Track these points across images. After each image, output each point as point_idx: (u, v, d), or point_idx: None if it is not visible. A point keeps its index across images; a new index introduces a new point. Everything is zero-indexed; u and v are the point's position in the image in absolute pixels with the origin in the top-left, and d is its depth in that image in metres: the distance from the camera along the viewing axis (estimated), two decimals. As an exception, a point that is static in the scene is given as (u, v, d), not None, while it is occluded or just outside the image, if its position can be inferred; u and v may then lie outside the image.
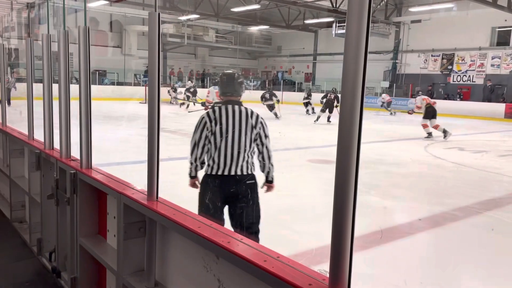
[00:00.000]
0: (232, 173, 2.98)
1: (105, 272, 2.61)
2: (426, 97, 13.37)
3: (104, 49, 29.31)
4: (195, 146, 3.04)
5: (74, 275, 2.74)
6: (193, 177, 3.16)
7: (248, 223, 3.12)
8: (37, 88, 3.75)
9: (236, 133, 2.97)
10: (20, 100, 3.91)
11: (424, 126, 12.68)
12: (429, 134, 12.54)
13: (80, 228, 2.64)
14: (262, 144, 3.11)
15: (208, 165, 3.03)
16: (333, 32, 25.96)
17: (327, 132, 13.19)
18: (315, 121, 16.42)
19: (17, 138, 4.04)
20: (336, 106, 16.07)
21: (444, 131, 12.30)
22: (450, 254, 4.10)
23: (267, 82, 33.81)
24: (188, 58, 33.77)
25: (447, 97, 24.92)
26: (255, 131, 3.05)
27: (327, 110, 16.64)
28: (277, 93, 30.78)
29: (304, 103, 21.52)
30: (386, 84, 27.53)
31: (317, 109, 18.02)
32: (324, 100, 17.30)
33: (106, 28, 29.41)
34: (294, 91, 31.90)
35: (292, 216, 4.93)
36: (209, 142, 3.00)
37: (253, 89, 31.72)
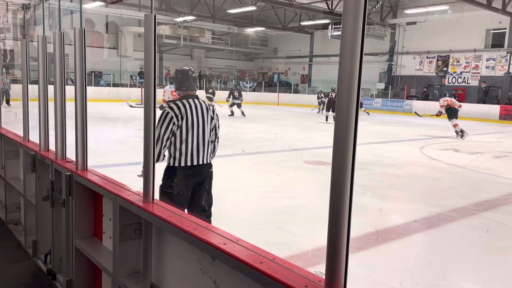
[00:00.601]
0: (200, 162, 3.24)
1: (100, 274, 2.60)
2: (448, 98, 13.77)
3: (100, 51, 29.25)
4: (158, 139, 3.11)
5: (69, 277, 2.73)
6: None
7: (208, 206, 3.40)
8: (33, 89, 3.74)
9: (201, 126, 3.23)
10: (19, 102, 3.89)
11: (455, 125, 13.19)
12: (461, 132, 12.95)
13: (75, 230, 2.63)
14: (216, 134, 3.41)
15: (175, 157, 3.20)
16: (329, 34, 26.05)
17: (323, 134, 13.21)
18: (326, 121, 17.09)
19: (12, 139, 4.03)
20: None
21: (461, 131, 12.80)
22: (446, 255, 4.12)
23: (263, 84, 33.86)
24: (184, 60, 33.73)
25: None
26: (213, 123, 3.36)
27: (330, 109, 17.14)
28: (273, 94, 30.98)
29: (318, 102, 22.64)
30: (381, 85, 27.64)
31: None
32: (326, 100, 18.20)
33: (102, 30, 29.34)
34: (290, 92, 31.96)
35: (288, 217, 4.93)
36: (174, 136, 3.17)
37: (250, 91, 31.75)
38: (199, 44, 32.37)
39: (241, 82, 33.44)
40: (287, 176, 7.17)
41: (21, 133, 3.92)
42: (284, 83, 34.24)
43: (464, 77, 25.05)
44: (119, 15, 28.08)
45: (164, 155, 3.20)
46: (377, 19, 26.42)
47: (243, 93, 19.91)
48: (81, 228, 2.64)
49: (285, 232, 4.47)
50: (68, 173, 2.64)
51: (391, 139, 13.10)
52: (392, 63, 28.09)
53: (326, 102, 17.95)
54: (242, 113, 17.99)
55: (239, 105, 18.40)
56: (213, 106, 3.47)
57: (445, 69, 25.79)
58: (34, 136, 3.57)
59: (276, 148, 10.23)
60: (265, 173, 7.36)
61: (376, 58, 27.59)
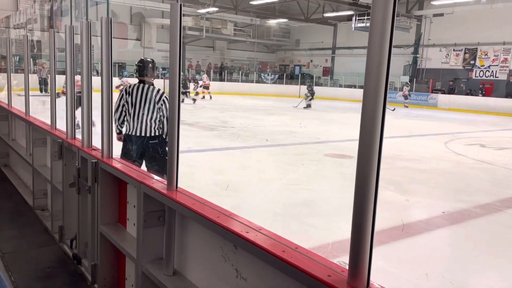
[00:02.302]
0: (138, 134, 4.07)
1: (124, 259, 2.66)
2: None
3: (125, 42, 29.60)
4: (116, 111, 4.09)
5: (94, 262, 2.80)
6: (118, 133, 4.22)
7: (160, 170, 3.88)
8: (60, 79, 3.83)
9: (142, 104, 4.04)
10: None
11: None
12: None
13: (100, 217, 2.69)
14: (164, 116, 4.08)
15: (126, 126, 4.15)
16: (353, 25, 25.61)
17: (344, 127, 13.09)
18: None
19: (40, 127, 4.13)
20: None
21: None
22: (470, 250, 4.05)
23: (284, 76, 33.67)
24: (206, 51, 33.84)
25: (469, 92, 24.42)
26: (157, 105, 4.07)
27: None
28: (294, 87, 30.79)
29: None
30: (406, 78, 27.11)
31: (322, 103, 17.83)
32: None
33: (126, 21, 29.66)
34: (312, 85, 31.68)
35: (308, 210, 4.92)
36: (125, 109, 4.09)
37: (271, 83, 31.66)
38: (221, 36, 32.39)
39: (262, 74, 33.36)
40: (307, 169, 7.14)
41: (48, 122, 4.01)
42: (305, 75, 33.97)
43: (492, 71, 24.34)
44: (143, 6, 28.29)
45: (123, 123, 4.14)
46: (403, 10, 25.83)
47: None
48: (106, 215, 2.70)
49: (305, 225, 4.47)
50: (94, 161, 2.70)
51: (415, 133, 12.87)
52: (418, 55, 27.50)
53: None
54: (194, 100, 19.18)
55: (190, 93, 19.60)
56: (164, 94, 4.12)
57: (472, 62, 25.11)
58: (61, 125, 3.66)
59: (296, 141, 10.19)
60: (285, 166, 7.35)
61: (400, 50, 27.06)
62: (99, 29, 2.57)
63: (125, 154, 4.11)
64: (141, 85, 4.08)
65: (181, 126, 2.07)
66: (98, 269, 2.75)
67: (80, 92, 3.01)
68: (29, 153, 4.62)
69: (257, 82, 32.40)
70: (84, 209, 3.01)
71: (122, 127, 4.20)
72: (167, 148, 3.84)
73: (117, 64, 26.41)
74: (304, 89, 22.91)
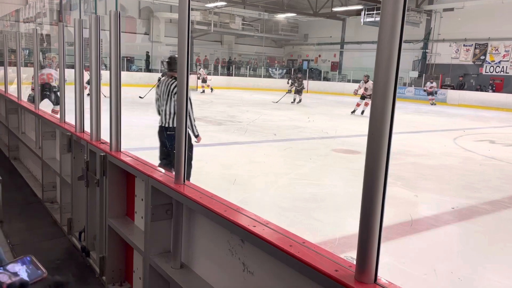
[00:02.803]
0: (163, 124, 4.43)
1: (132, 252, 2.67)
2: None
3: (133, 36, 29.66)
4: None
5: (102, 254, 2.82)
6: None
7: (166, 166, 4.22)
8: (69, 73, 3.85)
9: (164, 96, 4.40)
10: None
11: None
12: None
13: (109, 209, 2.71)
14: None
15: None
16: (362, 20, 25.44)
17: (353, 122, 13.03)
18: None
19: (49, 120, 4.16)
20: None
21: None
22: (478, 247, 4.02)
23: (292, 71, 33.56)
24: (214, 46, 33.80)
25: (479, 88, 24.16)
26: (174, 98, 4.28)
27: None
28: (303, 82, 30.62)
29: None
30: (415, 74, 26.90)
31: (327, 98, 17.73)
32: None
33: (135, 15, 29.71)
34: (320, 80, 31.57)
35: (315, 205, 4.92)
36: (157, 101, 4.52)
37: (278, 78, 31.57)
38: (229, 30, 32.33)
39: (270, 69, 33.27)
40: (315, 164, 7.13)
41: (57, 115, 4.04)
42: (313, 70, 33.82)
43: (503, 66, 24.06)
44: (152, 0, 28.32)
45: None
46: (413, 5, 25.58)
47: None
48: (114, 208, 2.72)
49: (312, 219, 4.46)
50: (102, 154, 2.71)
51: (424, 129, 12.78)
52: (427, 50, 27.25)
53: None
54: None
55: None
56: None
57: (482, 57, 24.84)
58: (70, 118, 3.68)
59: (304, 136, 10.17)
60: (293, 161, 7.34)
61: (410, 45, 26.84)
62: (108, 23, 2.57)
63: (161, 144, 4.52)
64: (166, 78, 4.45)
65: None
66: (106, 261, 2.78)
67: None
68: (39, 146, 4.66)
69: (265, 76, 32.33)
70: (92, 202, 3.03)
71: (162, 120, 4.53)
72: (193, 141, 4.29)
73: (125, 58, 26.52)
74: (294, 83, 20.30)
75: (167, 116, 4.39)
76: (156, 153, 4.60)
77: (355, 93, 15.81)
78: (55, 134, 4.25)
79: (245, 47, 35.43)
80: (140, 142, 7.81)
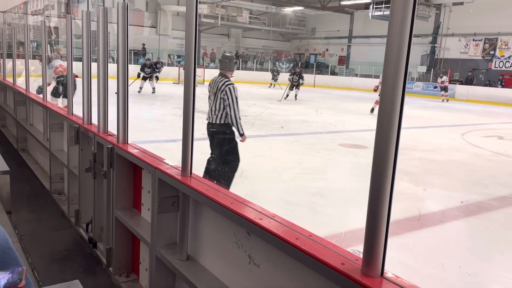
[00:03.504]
0: (211, 121, 4.46)
1: (139, 244, 2.69)
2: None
3: (140, 29, 29.68)
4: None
5: (109, 246, 2.84)
6: (241, 135, 4.54)
7: (226, 162, 4.50)
8: (76, 66, 3.86)
9: (213, 94, 4.44)
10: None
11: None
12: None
13: (116, 201, 2.73)
14: (227, 105, 4.38)
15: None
16: (370, 14, 25.23)
17: (359, 117, 12.97)
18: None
19: (57, 112, 4.18)
20: None
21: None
22: (486, 242, 4.00)
23: (299, 65, 33.41)
24: (221, 39, 33.73)
25: (488, 83, 23.91)
26: (220, 95, 4.37)
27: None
28: (309, 76, 30.53)
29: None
30: (423, 68, 26.69)
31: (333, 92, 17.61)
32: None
33: (142, 8, 29.70)
34: (327, 74, 31.41)
35: (321, 199, 4.92)
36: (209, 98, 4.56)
37: (285, 72, 31.46)
38: (236, 24, 32.23)
39: (277, 63, 33.16)
40: (321, 159, 7.11)
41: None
42: (321, 64, 33.66)
43: (513, 61, 23.78)
44: (159, -7, 28.30)
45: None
46: (422, -1, 25.34)
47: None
48: (121, 199, 2.73)
49: (318, 213, 4.46)
50: (109, 146, 2.72)
51: (431, 124, 12.69)
52: (436, 45, 26.99)
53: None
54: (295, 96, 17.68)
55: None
56: (229, 83, 4.41)
57: (492, 52, 24.56)
58: (78, 111, 3.70)
59: (311, 130, 10.15)
60: (299, 155, 7.33)
61: (418, 39, 26.58)
62: (115, 16, 2.57)
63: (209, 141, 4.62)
64: (218, 77, 4.47)
65: (196, 114, 2.07)
66: (113, 252, 2.80)
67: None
68: (46, 138, 4.69)
69: (272, 70, 32.22)
70: (99, 193, 3.05)
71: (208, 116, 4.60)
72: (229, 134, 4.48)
73: (132, 51, 26.56)
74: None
75: (212, 113, 4.44)
76: (162, 145, 4.63)
77: (376, 89, 14.81)
78: (63, 126, 4.27)
79: (252, 40, 35.31)
80: (146, 135, 7.84)
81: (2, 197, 3.83)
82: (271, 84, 24.54)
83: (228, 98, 4.34)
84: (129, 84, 2.76)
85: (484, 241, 4.06)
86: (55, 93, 8.41)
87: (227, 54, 4.68)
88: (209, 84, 4.53)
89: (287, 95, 17.44)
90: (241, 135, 4.47)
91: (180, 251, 2.15)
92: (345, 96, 22.19)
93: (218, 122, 4.40)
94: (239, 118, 4.42)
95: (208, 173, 4.54)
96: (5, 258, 1.14)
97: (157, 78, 17.27)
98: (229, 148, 4.47)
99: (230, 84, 4.38)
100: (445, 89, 21.59)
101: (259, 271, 1.70)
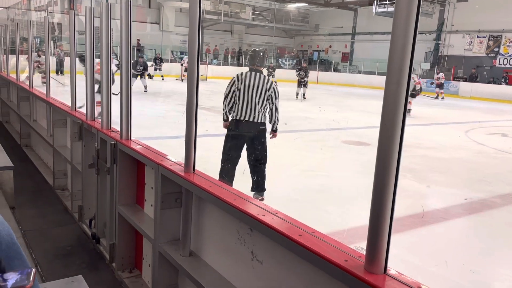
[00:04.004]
0: (248, 118, 4.25)
1: (142, 240, 2.70)
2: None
3: (143, 25, 29.67)
4: (225, 97, 4.34)
5: (112, 241, 2.85)
6: (225, 120, 4.44)
7: (259, 158, 4.40)
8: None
9: (254, 91, 4.22)
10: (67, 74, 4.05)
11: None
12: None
13: (119, 197, 2.73)
14: (272, 103, 4.33)
15: (234, 111, 4.31)
16: (374, 10, 25.11)
17: (363, 114, 12.94)
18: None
19: (60, 109, 4.19)
20: None
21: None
22: (489, 240, 3.99)
23: (302, 62, 33.29)
24: (224, 36, 33.66)
25: (492, 81, 23.80)
26: (268, 93, 4.26)
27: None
28: (312, 73, 30.43)
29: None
30: (427, 65, 26.56)
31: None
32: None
33: (144, 5, 29.68)
34: (330, 71, 31.33)
35: (324, 196, 4.91)
36: (235, 95, 4.27)
37: (288, 68, 31.38)
38: (239, 20, 32.14)
39: (280, 60, 33.07)
40: (324, 156, 7.10)
41: (69, 103, 4.07)
42: (324, 61, 33.56)
43: (517, 59, 23.65)
44: (161, -11, 28.26)
45: (232, 110, 4.33)
46: (426, -5, 25.19)
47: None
48: (124, 195, 2.74)
49: (321, 211, 4.46)
50: (112, 142, 2.73)
51: (435, 121, 12.64)
52: (439, 42, 26.85)
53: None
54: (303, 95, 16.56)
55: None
56: (273, 83, 4.36)
57: (496, 49, 24.42)
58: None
59: (314, 127, 10.13)
60: (302, 152, 7.32)
61: (422, 36, 26.46)
62: (118, 12, 2.57)
63: (231, 139, 4.35)
64: (253, 73, 4.27)
65: (198, 111, 2.07)
66: (116, 248, 2.81)
67: None
68: (50, 134, 4.71)
69: (275, 67, 32.14)
70: (103, 189, 3.06)
71: (230, 113, 4.36)
72: (268, 136, 4.45)
73: (135, 48, 26.54)
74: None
75: (259, 110, 4.25)
76: (164, 142, 4.62)
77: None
78: (66, 122, 4.28)
79: (255, 37, 35.21)
80: (149, 131, 7.84)
81: (5, 192, 3.84)
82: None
83: (275, 98, 4.31)
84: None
85: (488, 239, 4.05)
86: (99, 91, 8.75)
87: (258, 48, 4.54)
88: (238, 79, 4.27)
89: (303, 94, 16.48)
90: (276, 131, 4.51)
91: (183, 247, 2.16)
92: (348, 93, 22.14)
93: (258, 120, 4.27)
94: (278, 112, 4.43)
95: (227, 173, 4.38)
96: (10, 253, 1.15)
97: (149, 76, 16.97)
98: (264, 146, 4.43)
99: (274, 83, 4.36)
100: (440, 86, 21.13)
101: (262, 267, 1.70)
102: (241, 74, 4.30)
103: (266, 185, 4.55)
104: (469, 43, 25.56)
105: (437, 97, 20.94)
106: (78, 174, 3.65)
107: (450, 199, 5.08)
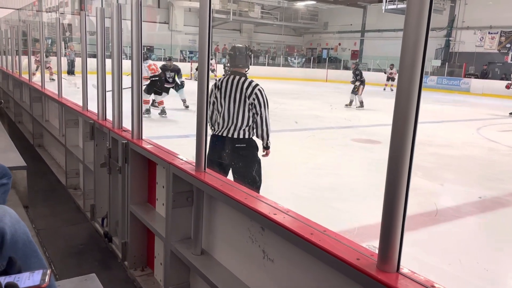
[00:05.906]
0: (225, 134, 3.33)
1: (153, 238, 2.72)
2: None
3: (152, 25, 29.83)
4: (207, 109, 3.33)
5: (124, 240, 2.88)
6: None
7: (249, 182, 3.36)
8: (91, 62, 3.89)
9: (231, 99, 3.31)
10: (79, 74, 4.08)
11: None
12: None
13: (131, 196, 2.76)
14: (257, 113, 3.34)
15: (212, 125, 3.44)
16: (383, 7, 24.93)
17: (372, 112, 12.86)
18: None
19: (72, 109, 4.23)
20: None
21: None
22: (502, 238, 3.94)
23: (311, 60, 33.20)
24: (233, 34, 33.69)
25: (504, 77, 23.47)
26: (248, 101, 3.31)
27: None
28: (321, 71, 30.35)
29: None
30: (437, 62, 26.32)
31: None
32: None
33: (154, 4, 29.83)
34: (340, 69, 31.18)
35: (334, 194, 4.90)
36: (215, 106, 3.40)
37: (297, 67, 31.32)
38: (248, 19, 32.17)
39: (289, 58, 33.01)
40: (333, 154, 7.08)
41: (80, 103, 4.10)
42: (333, 59, 33.41)
43: (530, 55, 23.31)
44: (171, -11, 28.38)
45: (214, 126, 3.45)
46: (436, -9, 24.93)
47: None
48: (136, 194, 2.76)
49: (331, 209, 4.45)
50: (124, 141, 2.75)
51: (446, 118, 12.52)
52: (450, 38, 26.58)
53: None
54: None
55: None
56: (256, 85, 3.37)
57: (508, 45, 24.10)
58: (92, 107, 3.73)
59: (324, 125, 10.10)
60: (311, 150, 7.31)
61: (433, 33, 26.16)
62: (129, 12, 2.59)
63: (210, 160, 2.89)
64: (231, 77, 3.37)
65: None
66: (128, 247, 2.83)
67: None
68: (62, 134, 4.75)
69: (284, 66, 32.09)
70: (114, 188, 3.08)
71: (214, 128, 3.43)
72: (259, 154, 3.42)
73: (145, 47, 26.68)
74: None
75: (236, 124, 3.32)
76: (175, 141, 4.64)
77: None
78: (78, 122, 4.32)
79: (264, 35, 35.20)
80: (159, 130, 7.89)
81: (19, 192, 3.89)
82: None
83: (260, 106, 3.32)
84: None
85: (501, 237, 4.01)
86: (147, 91, 9.51)
87: (238, 45, 3.59)
88: (216, 85, 3.40)
89: (361, 102, 13.70)
90: (267, 148, 3.53)
91: (194, 245, 2.17)
92: (357, 90, 21.95)
93: (244, 136, 3.34)
94: (268, 124, 3.41)
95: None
96: (26, 251, 1.17)
97: (182, 83, 16.82)
98: (258, 168, 3.44)
99: (257, 85, 3.36)
100: (391, 79, 21.33)
101: (273, 266, 1.70)
102: (219, 79, 3.42)
103: (277, 184, 4.55)
104: (480, 39, 25.26)
105: (384, 89, 21.41)
106: (90, 173, 3.69)
107: (462, 197, 5.04)
